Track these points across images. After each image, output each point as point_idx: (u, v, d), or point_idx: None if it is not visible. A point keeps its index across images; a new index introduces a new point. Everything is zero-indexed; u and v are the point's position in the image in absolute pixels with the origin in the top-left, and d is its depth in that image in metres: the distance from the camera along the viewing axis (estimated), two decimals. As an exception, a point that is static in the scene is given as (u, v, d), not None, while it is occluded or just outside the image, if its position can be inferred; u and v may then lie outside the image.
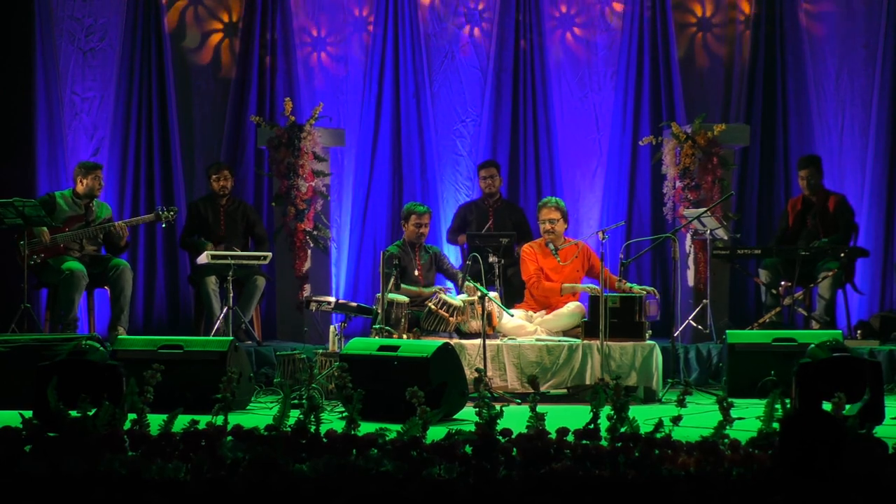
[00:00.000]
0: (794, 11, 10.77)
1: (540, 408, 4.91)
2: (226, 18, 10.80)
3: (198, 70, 10.74)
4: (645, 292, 8.09)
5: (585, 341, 7.85)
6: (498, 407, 4.91)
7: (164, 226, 9.52)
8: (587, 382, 7.69)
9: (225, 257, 8.72)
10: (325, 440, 4.68)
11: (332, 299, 8.44)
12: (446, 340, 7.27)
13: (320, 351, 7.96)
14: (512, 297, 8.80)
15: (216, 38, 10.79)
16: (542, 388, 7.71)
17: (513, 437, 4.67)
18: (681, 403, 5.02)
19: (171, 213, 9.03)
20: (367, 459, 4.51)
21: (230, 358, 7.18)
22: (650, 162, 10.41)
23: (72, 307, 8.60)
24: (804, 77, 10.73)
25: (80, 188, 8.98)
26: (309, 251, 9.79)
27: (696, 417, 6.20)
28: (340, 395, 5.86)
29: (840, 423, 4.34)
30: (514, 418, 5.09)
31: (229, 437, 4.70)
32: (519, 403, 7.34)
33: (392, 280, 8.15)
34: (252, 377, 7.75)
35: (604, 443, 4.65)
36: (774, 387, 5.00)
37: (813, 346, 6.31)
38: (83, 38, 10.42)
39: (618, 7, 10.92)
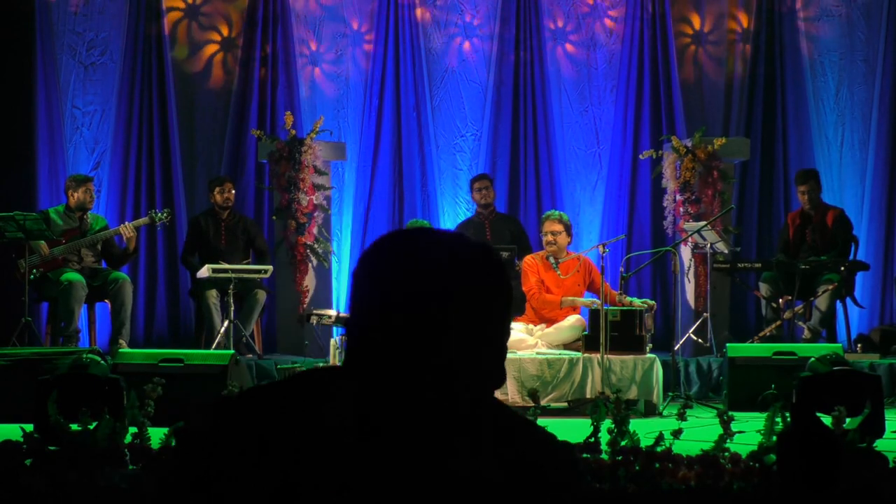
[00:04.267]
0: (794, 25, 10.80)
1: (540, 421, 4.91)
2: (225, 32, 10.82)
3: (198, 84, 10.76)
4: (646, 305, 8.09)
5: (586, 355, 7.85)
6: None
7: (158, 227, 9.50)
8: (588, 396, 7.68)
9: (226, 271, 8.72)
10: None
11: (333, 312, 8.42)
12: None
13: (321, 364, 7.96)
14: (512, 311, 8.79)
15: (215, 51, 10.79)
16: (543, 402, 7.69)
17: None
18: (681, 417, 5.03)
19: (165, 214, 9.06)
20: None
21: (231, 372, 7.17)
22: (650, 175, 10.41)
23: (72, 318, 8.59)
24: (804, 91, 10.74)
25: (71, 201, 8.97)
26: (310, 265, 9.78)
27: (697, 431, 6.19)
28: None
29: (838, 437, 4.34)
30: (515, 432, 5.08)
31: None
32: (519, 417, 7.33)
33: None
34: (252, 391, 7.73)
35: (604, 456, 4.64)
36: (775, 400, 5.00)
37: (813, 359, 6.31)
38: (84, 53, 10.43)
39: (616, 21, 10.94)
